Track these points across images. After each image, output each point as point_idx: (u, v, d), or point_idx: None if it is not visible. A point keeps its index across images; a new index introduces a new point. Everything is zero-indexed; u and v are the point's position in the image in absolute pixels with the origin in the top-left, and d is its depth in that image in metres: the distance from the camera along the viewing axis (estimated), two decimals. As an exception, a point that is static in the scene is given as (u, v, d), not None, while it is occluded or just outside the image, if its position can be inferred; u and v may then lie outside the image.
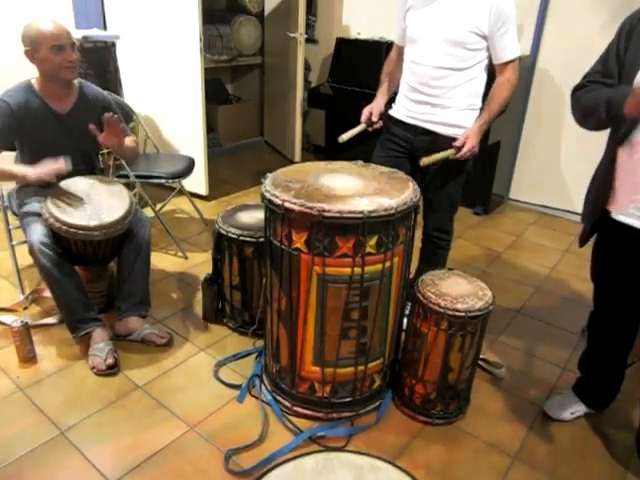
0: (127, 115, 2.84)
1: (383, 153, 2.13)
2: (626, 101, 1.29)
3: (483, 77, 1.97)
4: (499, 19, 1.80)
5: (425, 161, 1.90)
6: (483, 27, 1.83)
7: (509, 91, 1.92)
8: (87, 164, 2.25)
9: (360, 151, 2.20)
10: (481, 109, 2.01)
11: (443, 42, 1.88)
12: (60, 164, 1.91)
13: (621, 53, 1.41)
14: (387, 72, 2.21)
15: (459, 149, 1.92)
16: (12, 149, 2.15)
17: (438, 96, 1.96)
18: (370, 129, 2.17)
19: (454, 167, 1.99)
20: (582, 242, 1.65)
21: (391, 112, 2.15)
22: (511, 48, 1.87)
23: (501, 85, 1.92)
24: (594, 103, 1.43)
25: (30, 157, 2.14)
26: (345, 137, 2.10)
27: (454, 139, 1.96)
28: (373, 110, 2.14)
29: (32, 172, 1.90)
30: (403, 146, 2.10)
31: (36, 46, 1.93)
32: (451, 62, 1.90)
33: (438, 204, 2.13)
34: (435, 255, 2.23)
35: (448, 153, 1.93)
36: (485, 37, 1.85)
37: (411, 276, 2.00)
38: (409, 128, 2.06)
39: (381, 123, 2.16)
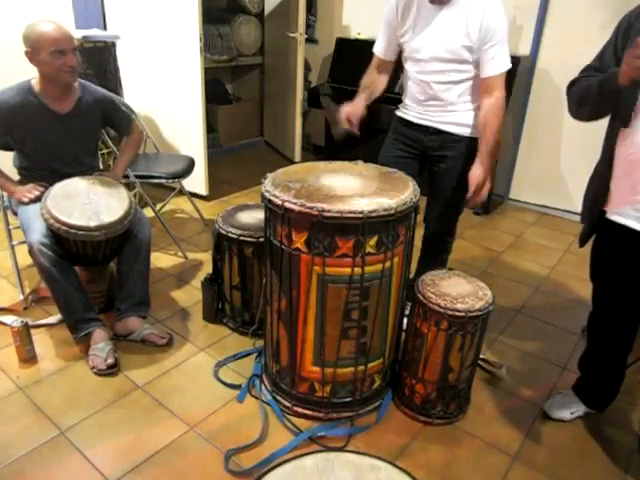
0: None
1: (391, 153, 2.13)
2: (620, 72, 1.27)
3: None
4: (487, 33, 1.80)
5: None
6: (474, 40, 1.83)
7: (500, 116, 1.90)
8: (87, 164, 2.25)
9: (360, 151, 2.19)
10: None
11: (444, 61, 1.90)
12: (39, 189, 2.09)
13: (619, 51, 1.40)
14: (370, 81, 2.11)
15: (472, 198, 1.92)
16: (7, 149, 2.15)
17: (446, 105, 1.98)
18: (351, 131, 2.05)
19: (462, 171, 1.98)
20: (582, 242, 1.65)
21: (399, 113, 2.15)
22: (496, 63, 1.84)
23: (491, 110, 1.88)
24: (588, 85, 1.42)
25: (31, 158, 2.15)
26: (339, 128, 1.94)
27: (465, 137, 1.97)
28: (353, 114, 2.00)
29: (18, 191, 2.11)
30: (413, 147, 2.09)
31: (37, 49, 1.93)
32: (455, 76, 1.91)
33: (443, 206, 2.12)
34: (436, 257, 2.23)
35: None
36: (477, 49, 1.86)
37: (411, 276, 2.00)
38: (419, 128, 2.06)
39: (357, 132, 2.03)
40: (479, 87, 1.92)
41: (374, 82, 2.11)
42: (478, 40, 1.82)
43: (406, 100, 2.12)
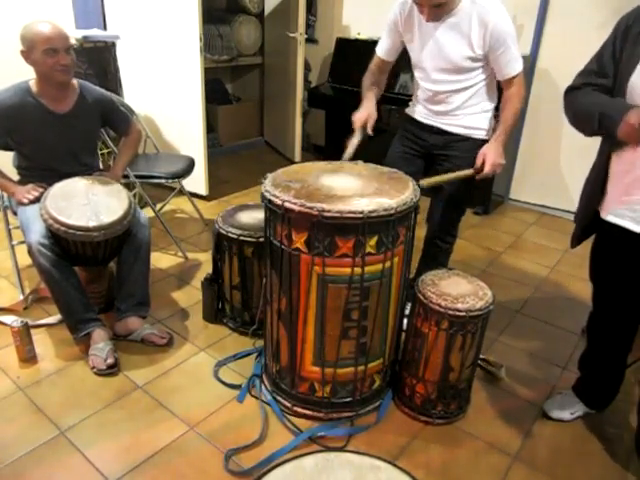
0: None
1: (397, 149, 2.18)
2: (622, 121, 1.29)
3: (491, 83, 1.99)
4: (497, 40, 1.82)
5: (425, 183, 1.81)
6: (479, 50, 1.86)
7: (519, 102, 1.92)
8: (87, 164, 2.25)
9: (360, 151, 2.19)
10: (496, 108, 2.04)
11: (448, 72, 1.94)
12: (38, 190, 2.08)
13: (617, 53, 1.40)
14: (373, 81, 2.14)
15: (480, 169, 1.91)
16: (7, 149, 2.15)
17: (451, 110, 2.01)
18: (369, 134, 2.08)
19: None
20: (574, 243, 1.65)
21: (408, 111, 2.19)
22: (513, 65, 1.88)
23: (510, 97, 1.92)
24: (588, 112, 1.42)
25: (30, 158, 2.15)
26: (348, 156, 1.97)
27: (469, 138, 1.99)
28: (368, 119, 2.03)
29: (18, 192, 2.09)
30: (418, 144, 2.14)
31: (31, 48, 1.94)
32: (459, 85, 1.96)
33: (446, 206, 2.13)
34: (437, 257, 2.23)
35: (464, 173, 1.93)
36: (484, 56, 1.88)
37: (411, 276, 2.00)
38: (424, 127, 2.10)
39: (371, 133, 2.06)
40: (500, 84, 1.95)
41: (377, 82, 2.15)
42: (488, 48, 1.85)
43: (413, 99, 2.17)
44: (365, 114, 2.04)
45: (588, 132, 1.47)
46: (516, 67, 1.88)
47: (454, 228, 2.21)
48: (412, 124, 2.15)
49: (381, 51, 2.11)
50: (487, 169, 1.90)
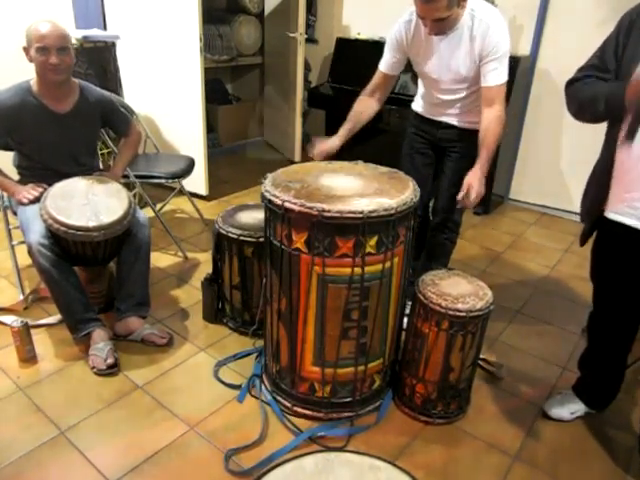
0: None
1: (410, 146, 2.26)
2: (626, 93, 1.28)
3: None
4: (490, 47, 1.86)
5: None
6: (477, 54, 1.90)
7: (501, 126, 1.92)
8: (86, 164, 2.25)
9: (360, 151, 2.20)
10: None
11: (455, 82, 1.99)
12: (38, 190, 2.07)
13: (619, 49, 1.40)
14: (357, 111, 2.11)
15: (465, 196, 1.88)
16: (7, 149, 2.15)
17: (459, 113, 2.08)
18: None
19: (472, 160, 1.98)
20: (582, 241, 1.65)
21: (414, 108, 2.24)
22: (497, 74, 1.89)
23: (492, 120, 1.91)
24: (592, 97, 1.42)
25: (30, 157, 2.15)
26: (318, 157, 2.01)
27: (475, 130, 2.00)
28: (324, 154, 2.03)
29: (18, 192, 2.09)
30: (427, 138, 2.21)
31: (29, 45, 1.98)
32: (465, 92, 2.02)
33: (452, 192, 2.12)
34: (441, 246, 2.25)
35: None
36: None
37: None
38: (432, 123, 2.16)
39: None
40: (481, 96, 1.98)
41: (364, 110, 2.12)
42: (480, 54, 1.88)
43: (419, 97, 2.21)
44: (325, 148, 2.04)
45: (592, 116, 1.46)
46: (499, 78, 1.89)
47: (458, 215, 2.23)
48: (420, 120, 2.21)
49: (385, 67, 2.10)
50: (473, 200, 1.86)
